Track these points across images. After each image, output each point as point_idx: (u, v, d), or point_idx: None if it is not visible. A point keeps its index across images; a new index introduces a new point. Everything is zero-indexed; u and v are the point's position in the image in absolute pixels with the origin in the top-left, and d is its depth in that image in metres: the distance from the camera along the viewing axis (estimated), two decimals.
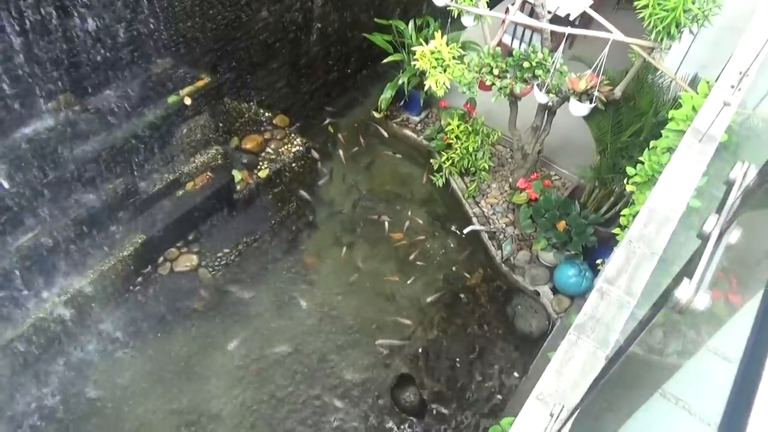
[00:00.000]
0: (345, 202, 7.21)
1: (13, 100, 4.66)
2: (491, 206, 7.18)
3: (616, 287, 2.37)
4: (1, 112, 4.61)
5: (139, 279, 6.04)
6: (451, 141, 7.14)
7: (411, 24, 7.36)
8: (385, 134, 7.83)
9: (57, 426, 5.15)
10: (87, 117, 5.28)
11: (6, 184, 4.75)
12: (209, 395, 5.53)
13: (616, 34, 5.06)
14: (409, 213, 7.17)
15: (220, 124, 6.51)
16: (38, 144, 4.89)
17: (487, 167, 7.08)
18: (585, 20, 7.66)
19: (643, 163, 4.31)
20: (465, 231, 6.84)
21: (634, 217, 4.08)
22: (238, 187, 6.58)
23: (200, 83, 5.98)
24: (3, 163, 4.66)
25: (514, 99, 6.12)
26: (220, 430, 5.34)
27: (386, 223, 7.01)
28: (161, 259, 6.19)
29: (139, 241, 5.86)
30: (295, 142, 7.01)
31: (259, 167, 6.75)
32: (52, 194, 5.16)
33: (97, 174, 5.47)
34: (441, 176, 7.24)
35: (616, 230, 4.58)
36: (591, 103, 5.42)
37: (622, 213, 4.53)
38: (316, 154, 7.29)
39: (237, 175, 6.57)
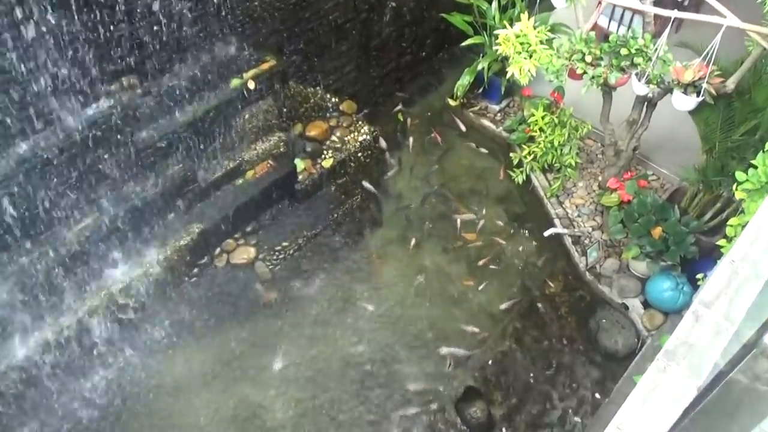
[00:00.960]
0: (414, 197, 7.24)
1: (75, 80, 4.90)
2: (576, 207, 7.11)
3: (713, 311, 2.34)
4: (64, 92, 4.87)
5: (195, 270, 6.29)
6: (534, 133, 7.07)
7: (494, 3, 7.31)
8: (461, 124, 7.84)
9: (96, 426, 5.43)
10: (148, 100, 5.53)
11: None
12: (262, 398, 5.73)
13: (731, 19, 4.90)
14: (484, 211, 7.18)
15: (284, 110, 6.66)
16: (97, 128, 5.14)
17: (573, 164, 7.01)
18: (695, 2, 7.45)
19: (756, 167, 4.20)
20: (546, 233, 6.80)
21: (743, 227, 3.98)
22: (300, 177, 6.70)
23: (265, 66, 6.13)
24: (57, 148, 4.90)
25: (608, 89, 6.02)
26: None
27: (458, 221, 7.05)
28: (218, 250, 6.35)
29: (197, 230, 6.07)
30: (362, 131, 7.12)
31: (323, 156, 6.88)
32: (109, 180, 5.46)
33: (155, 160, 5.74)
34: (521, 172, 7.21)
35: (721, 241, 4.47)
36: (698, 96, 5.29)
37: (729, 222, 4.43)
38: (384, 144, 7.34)
39: (299, 164, 6.70)
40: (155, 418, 5.54)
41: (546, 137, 6.99)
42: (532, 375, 6.11)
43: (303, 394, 5.80)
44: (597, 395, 6.01)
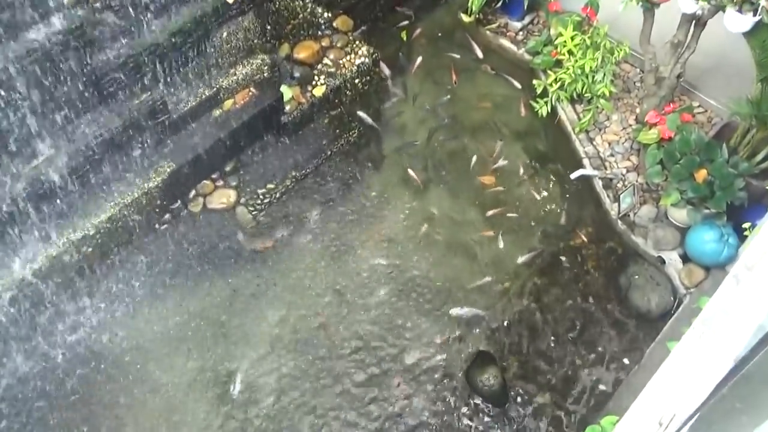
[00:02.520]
0: (420, 132, 7.30)
1: None
2: (609, 145, 7.13)
3: (757, 274, 2.40)
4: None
5: (166, 216, 6.43)
6: (561, 57, 7.04)
7: None
8: (476, 45, 7.81)
9: (59, 386, 5.66)
10: (109, 16, 5.55)
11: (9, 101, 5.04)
12: (244, 361, 5.93)
13: None
14: (501, 148, 7.25)
15: (268, 27, 6.67)
16: (50, 50, 5.15)
17: (607, 93, 7.00)
18: None
19: None
20: (573, 175, 6.86)
21: None
22: (288, 108, 6.72)
23: None
24: (7, 74, 4.93)
25: (650, 5, 5.99)
26: (255, 407, 5.76)
27: (473, 160, 7.12)
28: (193, 193, 6.52)
29: (168, 170, 6.15)
30: (359, 52, 7.13)
31: (314, 83, 6.90)
32: (63, 113, 5.51)
33: (118, 88, 5.78)
34: (546, 103, 7.19)
35: None
36: (755, 15, 5.25)
37: None
38: (385, 69, 7.35)
39: (286, 92, 6.71)
40: (110, 377, 5.78)
41: (575, 61, 6.94)
42: (552, 338, 6.26)
43: (290, 358, 5.99)
44: (626, 360, 6.16)
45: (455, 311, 6.29)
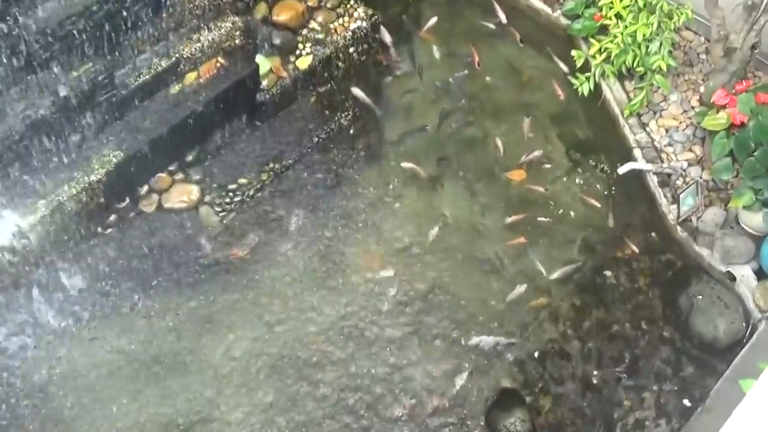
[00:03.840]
0: (429, 114, 7.28)
1: None
2: (666, 132, 7.06)
3: None
4: None
5: (112, 218, 6.38)
6: (607, 22, 7.01)
7: None
8: (499, 7, 7.71)
9: None
10: None
11: None
12: (208, 401, 5.85)
13: None
14: (531, 134, 7.18)
15: None
16: None
17: (664, 67, 6.91)
18: None
19: None
20: (621, 170, 6.80)
21: None
22: (265, 83, 6.72)
23: None
24: None
25: None
26: None
27: (496, 150, 7.08)
28: (145, 189, 6.50)
29: (114, 160, 6.10)
30: (354, 14, 7.14)
31: (297, 52, 6.91)
32: None
33: (51, 56, 5.71)
34: (587, 79, 7.18)
35: None
36: None
37: None
38: (387, 35, 7.32)
39: (263, 63, 6.70)
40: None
41: (625, 27, 6.90)
42: (595, 373, 6.20)
43: (261, 400, 5.93)
44: (686, 402, 6.10)
45: (474, 340, 6.23)
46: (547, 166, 7.13)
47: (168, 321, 6.16)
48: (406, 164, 6.93)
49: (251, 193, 6.70)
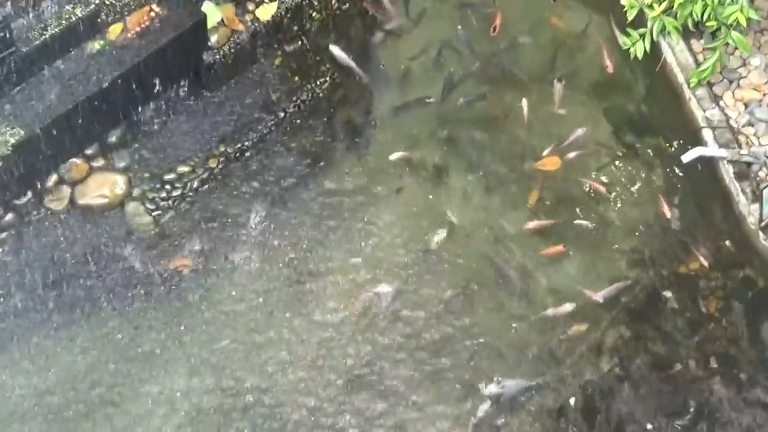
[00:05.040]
0: (432, 82, 7.23)
1: None
2: (746, 107, 6.95)
3: None
4: None
5: (9, 217, 6.23)
6: None
7: None
8: None
9: None
10: None
11: None
12: None
13: None
14: (563, 110, 7.15)
15: None
16: None
17: (743, 22, 6.69)
18: None
19: None
20: (686, 157, 6.79)
21: None
22: (215, 39, 6.64)
23: None
24: None
25: None
26: None
27: (524, 126, 6.96)
28: (53, 179, 6.38)
29: (11, 140, 5.98)
30: None
31: None
32: None
33: None
34: (642, 37, 7.13)
35: None
36: None
37: None
38: None
39: (212, 12, 6.62)
40: None
41: None
42: (650, 426, 6.01)
43: None
44: None
45: (490, 388, 6.05)
46: (590, 152, 7.05)
47: (81, 356, 6.00)
48: (395, 156, 6.83)
49: (195, 185, 6.61)
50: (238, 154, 6.75)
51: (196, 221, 6.53)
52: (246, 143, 6.79)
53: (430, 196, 6.80)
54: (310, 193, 6.75)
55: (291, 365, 6.10)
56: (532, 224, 6.67)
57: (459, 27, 7.45)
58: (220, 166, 6.69)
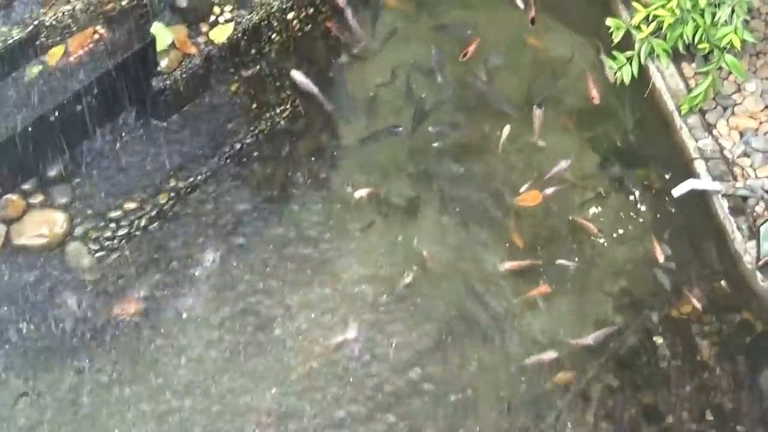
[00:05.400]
0: (402, 110, 7.24)
1: None
2: (741, 136, 6.93)
3: None
4: None
5: None
6: None
7: None
8: None
9: None
10: None
11: None
12: None
13: None
14: (543, 142, 7.15)
15: None
16: None
17: (738, 44, 6.71)
18: None
19: None
20: (677, 191, 6.75)
21: None
22: (165, 64, 6.63)
23: None
24: None
25: None
26: None
27: (501, 151, 6.97)
28: None
29: None
30: None
31: (212, 19, 6.89)
32: None
33: None
34: (629, 60, 7.15)
35: None
36: None
37: None
38: None
39: (163, 35, 6.62)
40: None
41: None
42: None
43: None
44: None
45: None
46: (573, 185, 7.09)
47: (14, 413, 5.88)
48: (361, 193, 6.80)
49: (142, 223, 6.55)
50: (189, 190, 6.69)
51: (143, 263, 6.45)
52: (199, 177, 6.73)
53: (400, 237, 6.76)
54: (268, 233, 6.68)
55: (244, 421, 6.03)
56: (509, 264, 6.65)
57: (433, 49, 7.44)
58: (170, 203, 6.62)
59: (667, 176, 7.04)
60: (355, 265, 6.64)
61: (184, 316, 6.30)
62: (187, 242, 6.57)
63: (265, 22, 6.89)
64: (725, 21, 6.75)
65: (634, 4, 7.12)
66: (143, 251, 6.47)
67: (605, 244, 6.82)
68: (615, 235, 6.85)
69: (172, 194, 6.65)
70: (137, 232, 6.50)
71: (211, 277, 6.48)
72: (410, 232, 6.80)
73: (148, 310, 6.29)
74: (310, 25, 7.12)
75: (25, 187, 6.41)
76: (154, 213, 6.57)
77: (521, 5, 7.74)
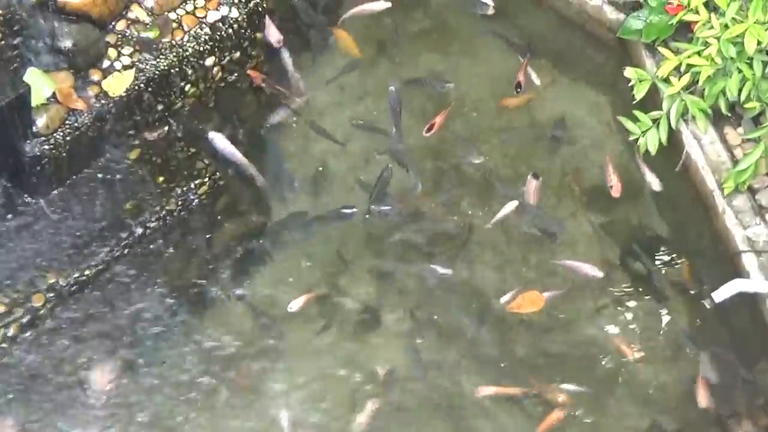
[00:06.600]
0: (355, 187, 7.29)
1: None
2: None
3: None
4: None
5: None
6: (692, 17, 6.99)
7: None
8: None
9: None
10: None
11: None
12: None
13: None
14: (566, 233, 7.23)
15: None
16: None
17: None
18: None
19: None
20: (719, 295, 6.69)
21: None
22: (42, 123, 6.38)
23: None
24: None
25: None
26: None
27: (488, 240, 7.06)
28: None
29: None
30: None
31: (107, 64, 6.68)
32: None
33: None
34: (655, 122, 7.15)
35: None
36: None
37: None
38: (274, 32, 7.39)
39: (40, 83, 6.32)
40: None
41: (724, 28, 6.80)
42: None
43: None
44: None
45: None
46: (584, 286, 7.04)
47: None
48: (297, 303, 6.81)
49: (11, 332, 6.29)
50: (74, 289, 6.43)
51: (12, 386, 6.21)
52: (86, 273, 6.47)
53: (352, 356, 6.67)
54: (177, 349, 6.57)
55: None
56: (494, 390, 6.59)
57: (391, 102, 7.38)
58: (48, 306, 6.34)
59: (705, 275, 7.00)
60: (291, 397, 6.56)
61: None
62: (71, 358, 6.39)
63: (176, 69, 6.68)
64: None
65: (661, 50, 7.14)
66: (11, 370, 6.25)
67: (626, 363, 6.77)
68: (640, 350, 6.76)
69: (51, 295, 6.36)
70: (3, 345, 6.22)
71: (102, 404, 6.32)
72: (366, 351, 6.75)
73: None
74: (235, 74, 7.01)
75: None
76: (26, 319, 6.29)
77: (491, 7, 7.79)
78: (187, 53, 6.75)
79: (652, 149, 7.03)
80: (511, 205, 7.06)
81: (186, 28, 6.83)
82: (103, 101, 6.49)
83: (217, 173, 7.01)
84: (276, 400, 6.50)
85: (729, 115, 7.04)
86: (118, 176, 6.74)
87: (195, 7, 6.91)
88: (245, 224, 7.11)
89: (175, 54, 6.71)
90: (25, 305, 6.31)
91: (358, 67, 7.74)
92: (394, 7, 7.80)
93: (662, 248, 7.14)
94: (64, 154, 6.45)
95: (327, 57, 7.68)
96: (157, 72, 6.67)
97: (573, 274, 6.98)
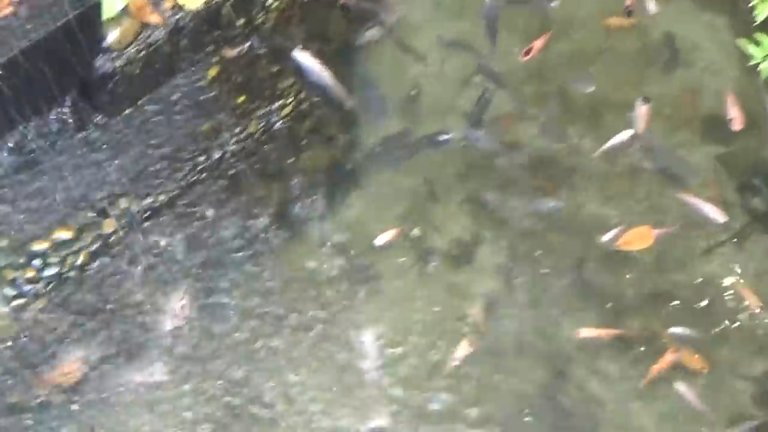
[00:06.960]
0: (453, 108, 7.10)
1: None
2: None
3: None
4: None
5: None
6: None
7: None
8: None
9: None
10: None
11: None
12: None
13: None
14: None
15: None
16: None
17: None
18: None
19: None
20: None
21: None
22: (114, 38, 6.19)
23: None
24: None
25: None
26: None
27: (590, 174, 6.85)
28: None
29: None
30: None
31: None
32: None
33: None
34: None
35: None
36: None
37: None
38: None
39: None
40: None
41: None
42: None
43: None
44: None
45: None
46: (697, 224, 6.86)
47: None
48: (384, 237, 6.71)
49: (80, 260, 6.28)
50: (146, 215, 6.48)
51: (81, 317, 6.23)
52: (160, 198, 6.49)
53: (448, 291, 6.62)
54: (257, 280, 6.54)
55: None
56: (596, 332, 6.51)
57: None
58: (119, 232, 6.37)
59: None
60: (383, 332, 6.47)
61: (140, 381, 6.17)
62: (142, 285, 6.38)
63: None
64: None
65: None
66: (81, 301, 6.20)
67: (741, 307, 6.56)
68: (756, 296, 6.55)
69: (122, 221, 6.39)
70: (71, 273, 6.18)
71: (172, 335, 6.33)
72: (459, 288, 6.64)
73: (89, 374, 6.14)
74: None
75: None
76: (96, 246, 6.29)
77: None
78: None
79: None
80: (625, 134, 6.89)
81: None
82: (179, 15, 6.32)
83: (302, 94, 6.92)
84: (363, 331, 6.44)
85: None
86: (195, 96, 6.64)
87: None
88: (331, 150, 7.07)
89: None
90: (94, 231, 6.30)
91: None
92: None
93: None
94: (137, 71, 6.33)
95: None
96: None
97: (689, 212, 6.71)
